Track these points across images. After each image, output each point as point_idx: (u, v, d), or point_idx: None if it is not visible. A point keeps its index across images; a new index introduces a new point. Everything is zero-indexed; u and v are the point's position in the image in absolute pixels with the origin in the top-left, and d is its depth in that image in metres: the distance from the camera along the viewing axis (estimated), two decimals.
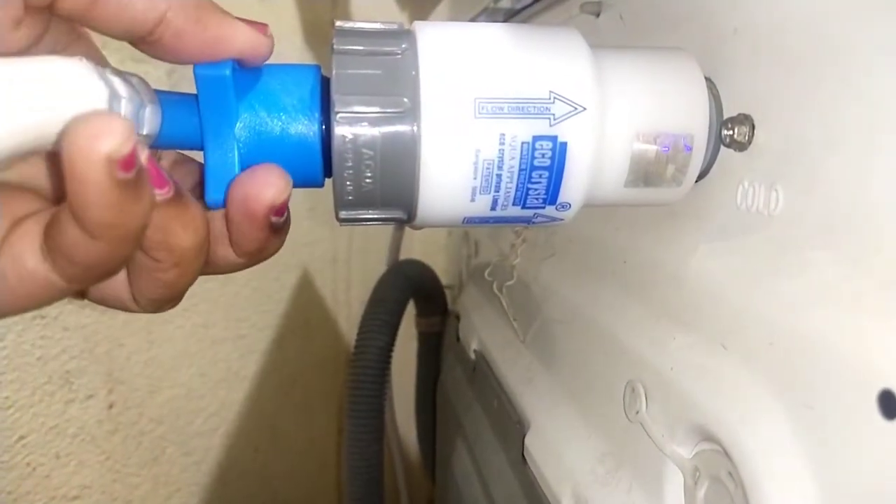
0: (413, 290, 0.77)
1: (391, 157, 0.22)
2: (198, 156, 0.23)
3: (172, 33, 0.20)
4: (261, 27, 0.21)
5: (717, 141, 0.27)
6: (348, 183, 0.22)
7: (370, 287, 0.75)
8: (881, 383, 0.19)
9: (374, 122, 0.22)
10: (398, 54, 0.23)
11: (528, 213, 0.25)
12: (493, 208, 0.24)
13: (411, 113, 0.22)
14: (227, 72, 0.21)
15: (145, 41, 0.20)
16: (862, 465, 0.20)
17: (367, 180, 0.22)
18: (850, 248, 0.22)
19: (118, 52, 0.26)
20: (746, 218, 0.27)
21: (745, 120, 0.27)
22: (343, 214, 0.24)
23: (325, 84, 0.23)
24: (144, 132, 0.20)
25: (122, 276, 0.22)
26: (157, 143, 0.21)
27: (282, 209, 0.22)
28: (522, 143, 0.23)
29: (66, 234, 0.18)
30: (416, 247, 1.00)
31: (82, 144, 0.16)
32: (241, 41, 0.21)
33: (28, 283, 0.19)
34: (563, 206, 0.25)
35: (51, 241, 0.18)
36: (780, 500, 0.23)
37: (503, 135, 0.23)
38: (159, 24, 0.20)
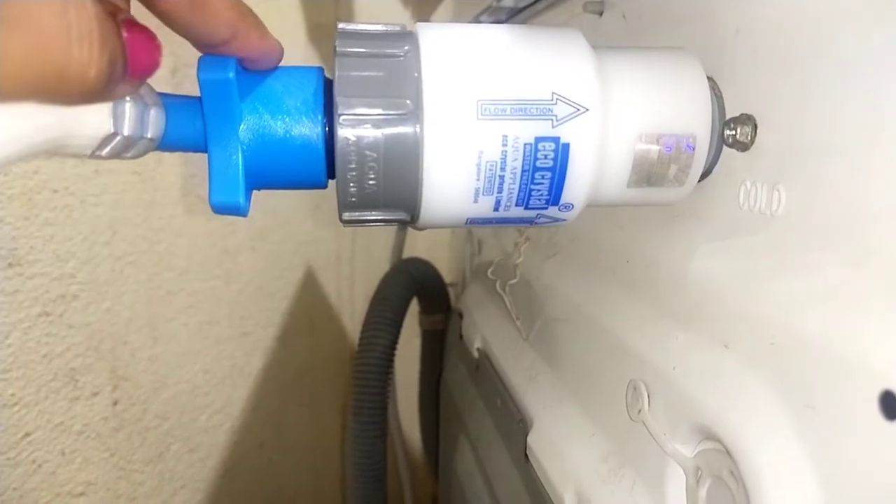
0: (416, 288, 0.77)
1: (394, 159, 0.22)
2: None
3: (237, 50, 0.21)
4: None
5: (720, 141, 0.28)
6: (351, 184, 0.23)
7: (374, 285, 0.75)
8: (882, 384, 0.19)
9: (377, 124, 0.22)
10: (400, 56, 0.23)
11: (531, 213, 0.25)
12: (496, 209, 0.25)
13: (414, 115, 0.22)
14: (231, 75, 0.21)
15: (212, 49, 0.21)
16: (863, 465, 0.20)
17: (371, 182, 0.23)
18: (852, 249, 0.22)
19: None
20: (748, 218, 0.27)
21: (747, 120, 0.27)
22: (346, 216, 0.24)
23: (329, 86, 0.23)
24: (149, 135, 0.20)
25: None
26: (161, 146, 0.21)
27: None
28: (525, 144, 0.23)
29: None
30: (419, 245, 1.00)
31: None
32: (269, 50, 0.22)
33: None
34: (565, 207, 0.25)
35: None
36: (781, 499, 0.23)
37: (506, 136, 0.23)
38: (229, 42, 0.21)
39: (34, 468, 0.62)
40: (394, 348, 0.70)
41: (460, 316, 0.73)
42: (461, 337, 0.70)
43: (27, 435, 0.62)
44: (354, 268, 0.95)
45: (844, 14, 0.23)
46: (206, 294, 0.77)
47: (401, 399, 0.91)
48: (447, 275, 0.88)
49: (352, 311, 0.96)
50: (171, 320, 0.74)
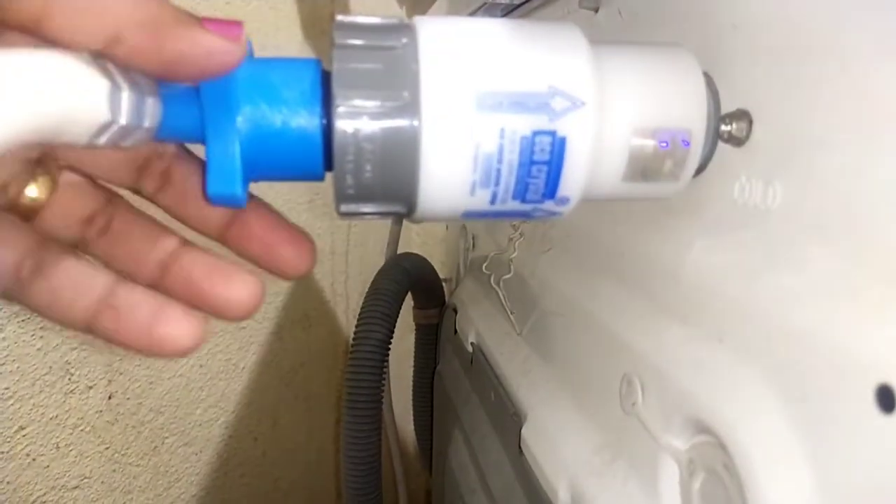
0: (411, 283, 0.77)
1: (391, 151, 0.22)
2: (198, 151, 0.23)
3: (126, 52, 0.18)
4: (233, 29, 0.19)
5: (715, 136, 0.28)
6: (349, 176, 0.23)
7: (368, 279, 0.75)
8: (878, 377, 0.20)
9: (374, 116, 0.22)
10: (398, 48, 0.23)
11: (528, 207, 0.25)
12: (492, 202, 0.25)
13: (412, 107, 0.22)
14: None
15: (101, 55, 0.19)
16: (859, 458, 0.21)
17: (368, 174, 0.23)
18: (848, 243, 0.22)
19: None
20: (744, 213, 0.27)
21: (743, 115, 0.27)
22: (343, 208, 0.24)
23: (326, 78, 0.23)
24: (146, 125, 0.20)
25: None
26: (157, 136, 0.21)
27: None
28: (522, 137, 0.23)
29: None
30: (414, 240, 1.00)
31: None
32: (203, 57, 0.19)
33: None
34: (561, 201, 0.25)
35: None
36: (776, 492, 0.23)
37: (503, 129, 0.23)
38: (111, 44, 0.18)
39: (28, 462, 0.62)
40: (388, 342, 0.70)
41: (454, 310, 0.73)
42: (455, 331, 0.71)
43: (21, 429, 0.61)
44: (349, 262, 0.95)
45: (842, 9, 0.23)
46: None
47: (395, 393, 0.91)
48: (441, 270, 0.88)
49: (346, 306, 0.96)
50: None
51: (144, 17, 0.18)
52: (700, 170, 0.29)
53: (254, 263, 0.23)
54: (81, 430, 0.66)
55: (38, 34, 0.18)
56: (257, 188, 0.24)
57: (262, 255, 0.24)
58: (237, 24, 0.20)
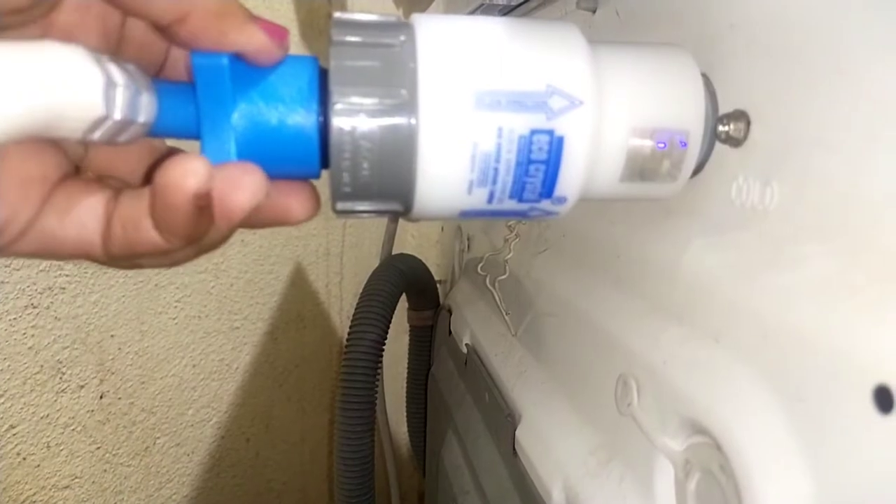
0: (406, 284, 0.77)
1: (389, 149, 0.22)
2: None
3: (188, 32, 0.20)
4: (279, 35, 0.22)
5: (713, 137, 0.28)
6: (345, 174, 0.22)
7: (363, 281, 0.75)
8: (876, 378, 0.19)
9: (371, 114, 0.22)
10: (396, 46, 0.23)
11: (525, 206, 0.25)
12: (489, 201, 0.24)
13: (409, 105, 0.22)
14: (225, 61, 0.21)
15: (164, 31, 0.21)
16: (856, 458, 0.21)
17: (365, 172, 0.22)
18: (845, 243, 0.22)
19: None
20: (741, 213, 0.27)
21: (740, 116, 0.27)
22: (340, 206, 0.24)
23: (323, 76, 0.23)
24: (141, 120, 0.20)
25: None
26: (153, 132, 0.21)
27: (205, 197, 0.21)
28: (520, 136, 0.23)
29: (142, 238, 0.21)
30: (409, 241, 1.00)
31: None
32: (253, 46, 0.21)
33: (80, 250, 0.22)
34: (558, 200, 0.25)
35: (123, 239, 0.21)
36: (771, 493, 0.23)
37: (501, 128, 0.23)
38: (177, 22, 0.20)
39: (19, 461, 0.62)
40: (382, 343, 0.70)
41: (449, 312, 0.73)
42: (450, 333, 0.71)
43: (12, 427, 0.61)
44: (343, 263, 0.95)
45: (839, 9, 0.23)
46: (195, 288, 0.76)
47: (388, 394, 0.91)
48: (437, 271, 0.88)
49: (340, 307, 0.96)
50: (159, 314, 0.73)
51: (213, 5, 0.20)
52: (697, 170, 0.29)
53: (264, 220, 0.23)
54: (72, 430, 0.66)
55: (114, 1, 0.20)
56: None
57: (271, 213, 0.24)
58: (285, 30, 0.22)
